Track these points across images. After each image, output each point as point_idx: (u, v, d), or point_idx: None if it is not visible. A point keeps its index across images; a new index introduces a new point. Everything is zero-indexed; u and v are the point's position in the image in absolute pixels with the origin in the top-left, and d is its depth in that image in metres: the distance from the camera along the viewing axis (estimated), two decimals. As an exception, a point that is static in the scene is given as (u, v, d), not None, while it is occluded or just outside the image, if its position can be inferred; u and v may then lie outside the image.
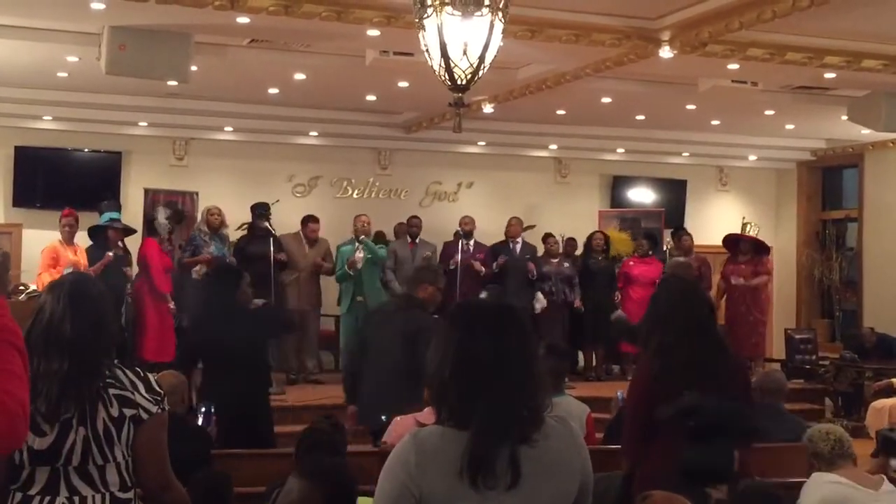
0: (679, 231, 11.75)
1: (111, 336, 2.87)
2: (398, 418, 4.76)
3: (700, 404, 3.27)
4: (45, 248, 8.82)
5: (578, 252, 11.68)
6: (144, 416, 2.79)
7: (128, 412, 2.77)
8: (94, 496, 2.73)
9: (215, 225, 9.80)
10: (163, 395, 2.88)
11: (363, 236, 9.51)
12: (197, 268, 9.53)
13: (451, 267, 10.51)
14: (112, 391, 2.76)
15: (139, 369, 2.91)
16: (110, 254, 8.86)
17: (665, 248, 11.46)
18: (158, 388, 2.87)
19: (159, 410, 2.83)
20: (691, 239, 11.44)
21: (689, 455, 3.07)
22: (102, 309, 2.90)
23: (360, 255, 9.27)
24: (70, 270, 8.04)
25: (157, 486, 2.87)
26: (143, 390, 2.82)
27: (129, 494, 2.81)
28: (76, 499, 2.72)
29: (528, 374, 2.27)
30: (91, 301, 2.86)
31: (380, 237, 11.15)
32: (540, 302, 10.73)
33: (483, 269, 10.62)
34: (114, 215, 9.28)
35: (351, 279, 9.32)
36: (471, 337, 2.27)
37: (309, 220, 10.48)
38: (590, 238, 11.50)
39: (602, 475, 3.34)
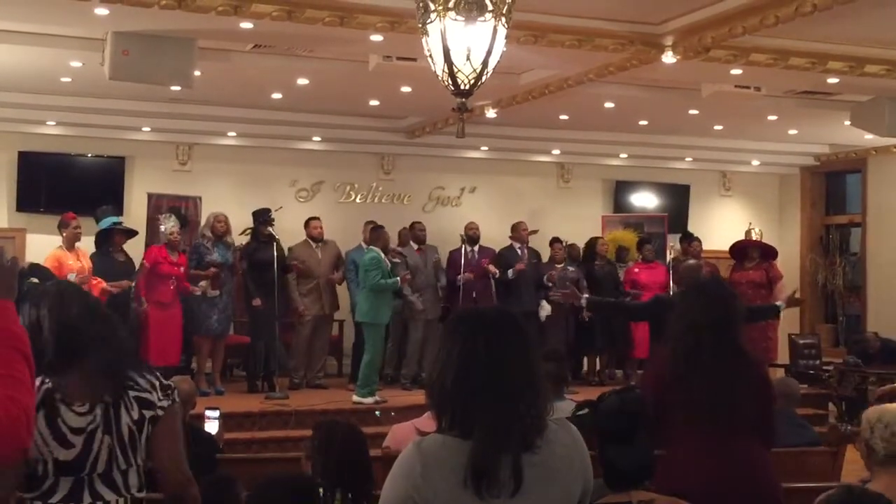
0: (688, 237, 11.81)
1: (120, 342, 2.87)
2: (397, 424, 4.75)
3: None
4: (47, 258, 8.56)
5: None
6: (160, 413, 2.79)
7: (147, 413, 2.77)
8: (116, 500, 2.72)
9: (220, 232, 9.77)
10: (173, 387, 2.88)
11: (396, 258, 9.61)
12: (202, 283, 9.46)
13: (459, 283, 10.55)
14: (132, 393, 2.76)
15: (150, 369, 2.91)
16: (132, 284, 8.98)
17: (669, 254, 11.46)
18: (167, 381, 2.88)
19: (170, 402, 2.83)
20: (700, 244, 11.46)
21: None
22: (106, 316, 2.90)
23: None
24: (74, 276, 8.04)
25: (181, 482, 2.84)
26: (159, 388, 2.82)
27: (144, 493, 2.82)
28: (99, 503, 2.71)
29: (530, 381, 2.27)
30: (95, 309, 2.86)
31: (384, 243, 11.14)
32: (545, 310, 10.74)
33: (496, 271, 10.63)
34: (115, 219, 9.26)
35: (391, 290, 9.29)
36: (472, 345, 2.27)
37: (311, 220, 10.56)
38: (594, 244, 11.52)
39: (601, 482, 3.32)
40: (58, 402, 2.67)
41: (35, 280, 2.74)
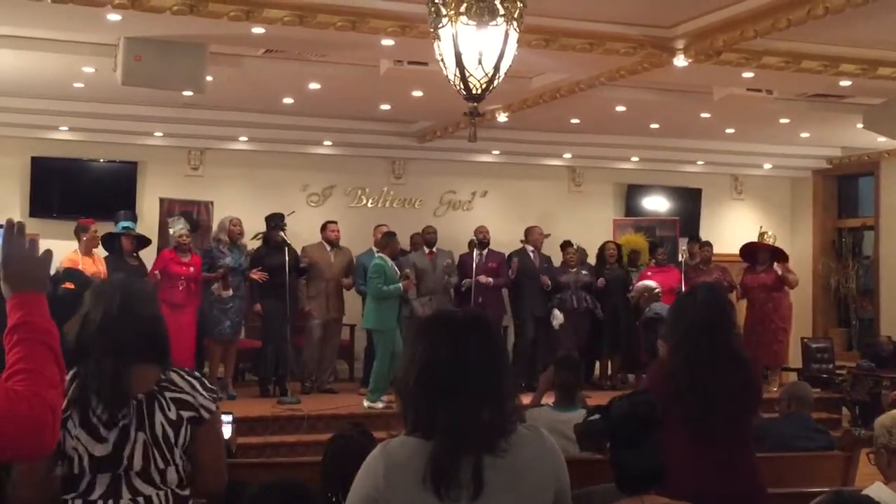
0: (699, 241, 11.80)
1: (164, 339, 2.86)
2: None
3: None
4: (62, 262, 8.47)
5: (590, 261, 11.68)
6: (206, 415, 2.79)
7: (185, 414, 2.76)
8: (157, 494, 2.72)
9: (235, 236, 9.80)
10: (217, 391, 2.89)
11: (407, 270, 9.69)
12: (215, 286, 9.46)
13: (463, 289, 10.57)
14: (168, 394, 2.75)
15: (189, 370, 2.91)
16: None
17: (681, 258, 11.44)
18: (211, 385, 2.88)
19: (216, 407, 2.84)
20: (710, 249, 11.43)
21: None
22: (155, 311, 2.91)
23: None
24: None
25: (218, 488, 2.85)
26: (201, 389, 2.82)
27: (187, 492, 2.80)
28: (140, 499, 2.70)
29: (493, 383, 2.27)
30: (144, 303, 2.87)
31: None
32: (557, 319, 10.67)
33: (490, 280, 10.58)
34: (127, 224, 9.29)
35: (398, 298, 9.32)
36: (434, 346, 2.27)
37: (328, 223, 10.56)
38: (602, 249, 11.51)
39: (584, 491, 3.31)
40: (91, 394, 2.67)
41: (70, 285, 2.70)
